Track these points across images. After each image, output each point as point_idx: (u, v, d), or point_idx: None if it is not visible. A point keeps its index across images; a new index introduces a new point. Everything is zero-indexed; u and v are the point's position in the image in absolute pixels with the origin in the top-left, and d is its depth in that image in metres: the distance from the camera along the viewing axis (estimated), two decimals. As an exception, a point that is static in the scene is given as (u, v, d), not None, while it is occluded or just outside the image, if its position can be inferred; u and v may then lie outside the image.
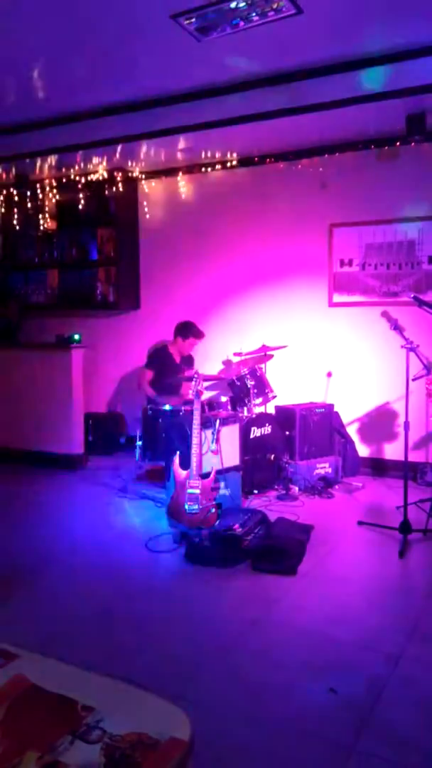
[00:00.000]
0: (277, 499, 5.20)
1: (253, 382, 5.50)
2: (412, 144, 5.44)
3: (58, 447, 6.30)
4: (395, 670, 2.72)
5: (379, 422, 5.93)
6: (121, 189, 6.77)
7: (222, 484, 4.61)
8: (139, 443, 5.51)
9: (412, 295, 4.61)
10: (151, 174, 6.79)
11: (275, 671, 2.75)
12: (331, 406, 5.81)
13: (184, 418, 4.73)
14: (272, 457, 5.42)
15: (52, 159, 6.30)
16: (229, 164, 6.33)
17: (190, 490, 4.12)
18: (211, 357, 6.53)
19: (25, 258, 7.55)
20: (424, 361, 4.45)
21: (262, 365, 5.85)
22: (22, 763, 1.19)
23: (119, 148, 5.90)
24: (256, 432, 5.33)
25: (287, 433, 5.57)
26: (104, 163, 6.51)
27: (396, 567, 3.90)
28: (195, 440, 4.23)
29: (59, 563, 3.98)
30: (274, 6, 3.36)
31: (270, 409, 5.82)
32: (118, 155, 6.19)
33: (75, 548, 4.22)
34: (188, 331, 5.92)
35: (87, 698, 1.36)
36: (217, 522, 4.15)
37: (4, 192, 7.29)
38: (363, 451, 6.01)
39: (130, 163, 6.56)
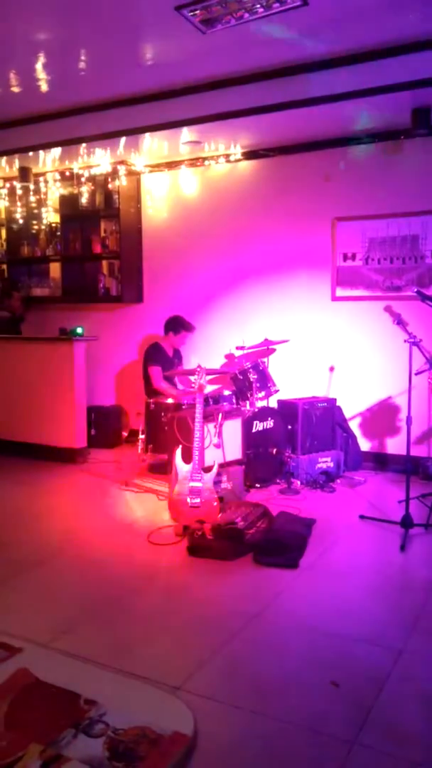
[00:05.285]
0: (279, 493, 5.20)
1: (255, 376, 5.50)
2: (417, 138, 5.41)
3: (61, 440, 6.31)
4: (397, 665, 2.73)
5: (382, 416, 5.93)
6: (124, 182, 6.76)
7: (224, 478, 4.62)
8: (141, 436, 5.52)
9: (415, 290, 4.60)
10: (155, 167, 6.77)
11: (277, 665, 2.76)
12: (334, 400, 5.81)
13: (187, 411, 4.73)
14: (274, 451, 5.43)
15: (55, 152, 6.28)
16: (232, 157, 6.32)
17: (192, 484, 4.12)
18: (213, 351, 6.52)
19: (28, 251, 7.55)
20: (427, 355, 4.44)
21: (265, 359, 5.85)
22: (25, 756, 1.20)
23: (123, 140, 5.89)
24: (258, 426, 5.33)
25: (289, 427, 5.57)
26: (107, 157, 6.49)
27: (397, 561, 3.91)
28: (197, 434, 4.24)
29: (61, 556, 3.99)
30: (279, -2, 3.34)
31: (272, 403, 5.82)
32: (121, 148, 6.17)
33: (77, 541, 4.23)
34: (180, 325, 5.95)
35: (90, 692, 1.36)
36: (219, 515, 4.16)
37: (8, 185, 7.28)
38: (365, 445, 6.01)
39: (133, 156, 6.54)
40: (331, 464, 5.58)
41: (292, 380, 6.12)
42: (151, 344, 6.08)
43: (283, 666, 2.75)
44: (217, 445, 4.61)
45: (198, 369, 4.49)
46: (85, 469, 6.04)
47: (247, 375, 5.51)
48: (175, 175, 6.75)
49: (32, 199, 7.26)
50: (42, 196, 7.23)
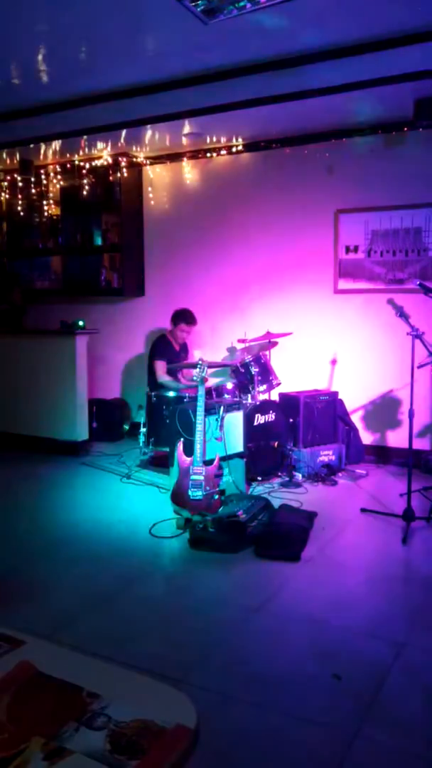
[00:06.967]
0: (280, 486, 5.20)
1: (257, 369, 5.49)
2: (420, 129, 5.38)
3: (63, 433, 6.31)
4: (398, 658, 2.73)
5: (384, 410, 5.92)
6: (125, 174, 6.73)
7: (226, 471, 4.62)
8: (143, 430, 5.52)
9: (418, 282, 4.58)
10: (156, 159, 6.74)
11: (279, 657, 2.77)
12: (336, 393, 5.80)
13: (189, 404, 4.73)
14: (276, 444, 5.42)
15: (56, 144, 6.26)
16: (234, 149, 6.29)
17: (194, 477, 4.12)
18: (215, 344, 6.51)
19: (29, 244, 7.53)
20: (430, 348, 4.42)
21: (267, 352, 5.84)
22: (27, 749, 1.20)
23: (124, 133, 5.86)
24: (260, 419, 5.33)
25: (291, 420, 5.56)
26: (109, 149, 6.47)
27: (399, 554, 3.91)
28: (199, 427, 4.23)
29: (64, 549, 3.99)
30: (281, -12, 3.31)
31: (274, 396, 5.81)
32: (122, 140, 6.15)
33: (79, 534, 4.23)
34: (179, 317, 5.87)
35: (92, 685, 1.36)
36: (221, 508, 4.16)
37: (9, 178, 7.26)
38: (367, 438, 6.00)
39: (134, 149, 6.51)
40: (333, 457, 5.58)
41: (294, 373, 6.11)
42: (159, 337, 6.03)
43: (284, 659, 2.76)
44: (219, 438, 4.61)
45: (200, 361, 4.48)
46: (86, 461, 6.05)
47: (249, 368, 5.51)
48: (176, 167, 6.72)
49: (33, 191, 7.23)
50: (43, 188, 7.21)
